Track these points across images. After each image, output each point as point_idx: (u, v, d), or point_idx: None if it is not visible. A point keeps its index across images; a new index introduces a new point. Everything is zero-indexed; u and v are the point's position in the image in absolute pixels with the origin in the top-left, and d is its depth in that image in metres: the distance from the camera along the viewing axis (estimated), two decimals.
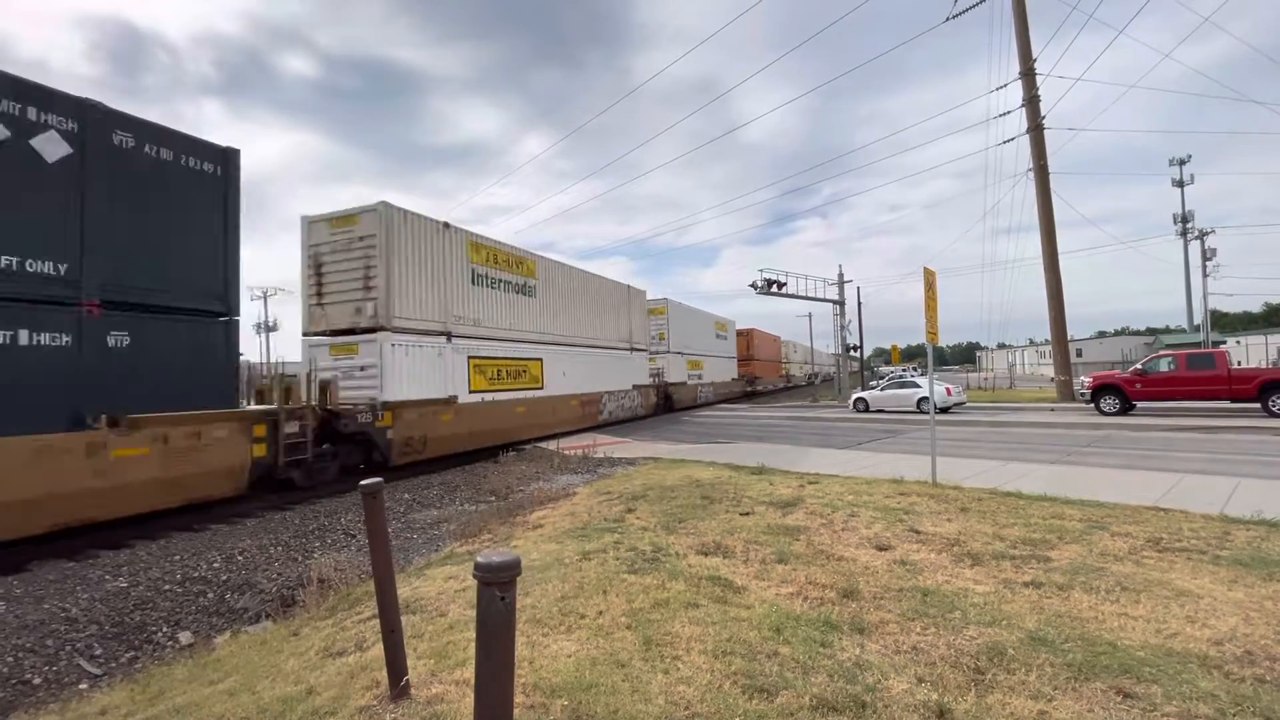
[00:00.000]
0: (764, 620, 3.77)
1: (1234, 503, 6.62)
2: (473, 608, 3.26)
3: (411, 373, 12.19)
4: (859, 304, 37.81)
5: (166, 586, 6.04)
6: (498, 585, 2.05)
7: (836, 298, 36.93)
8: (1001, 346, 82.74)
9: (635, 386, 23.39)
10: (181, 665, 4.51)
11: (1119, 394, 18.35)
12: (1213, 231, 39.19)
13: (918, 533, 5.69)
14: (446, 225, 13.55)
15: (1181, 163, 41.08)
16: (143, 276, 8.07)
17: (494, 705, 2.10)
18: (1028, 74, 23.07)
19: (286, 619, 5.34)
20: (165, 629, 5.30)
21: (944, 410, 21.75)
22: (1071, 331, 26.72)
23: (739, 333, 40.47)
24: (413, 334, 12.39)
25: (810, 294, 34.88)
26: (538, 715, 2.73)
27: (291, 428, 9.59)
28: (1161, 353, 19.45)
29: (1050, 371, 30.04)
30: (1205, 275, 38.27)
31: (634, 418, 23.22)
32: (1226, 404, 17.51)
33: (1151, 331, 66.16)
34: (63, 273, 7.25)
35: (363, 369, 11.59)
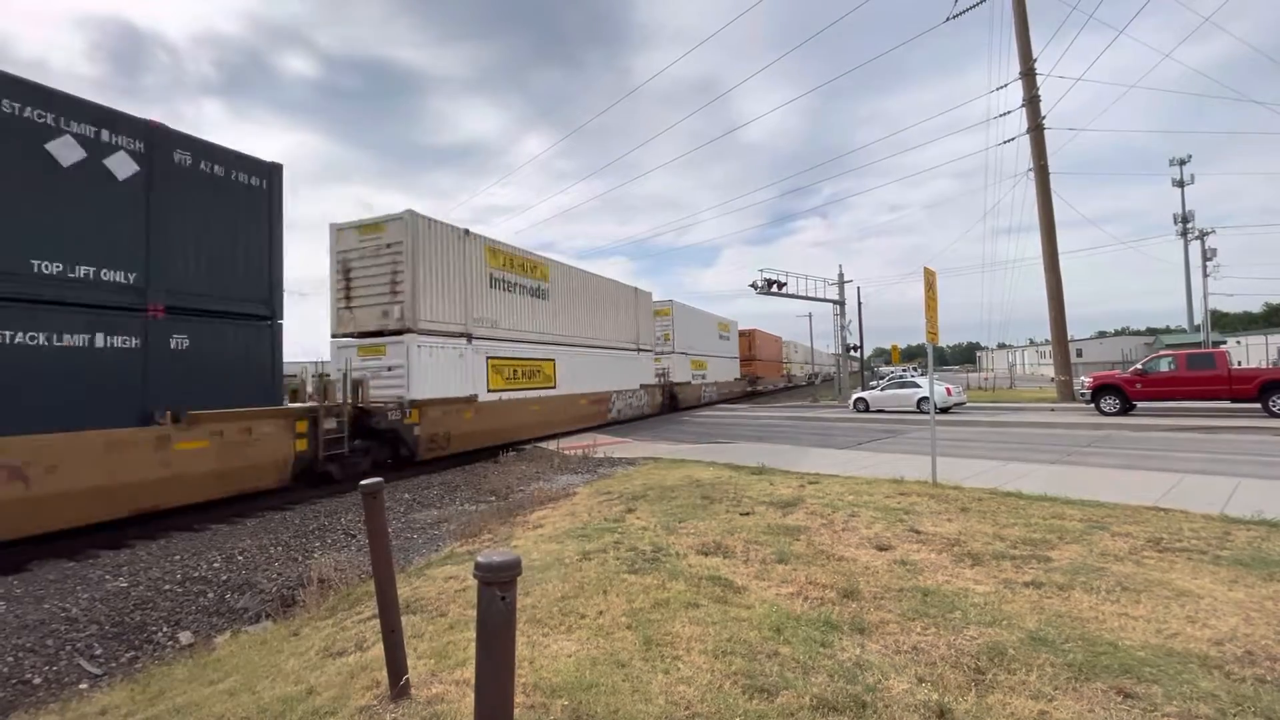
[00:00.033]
0: (764, 620, 3.77)
1: (1234, 503, 6.62)
2: (473, 607, 3.27)
3: (436, 373, 12.72)
4: (859, 304, 37.87)
5: (167, 586, 6.03)
6: (498, 585, 2.05)
7: (836, 298, 36.94)
8: (1002, 346, 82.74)
9: (642, 386, 23.93)
10: (182, 665, 4.51)
11: (1119, 394, 18.34)
12: (1213, 231, 39.19)
13: (918, 533, 5.69)
14: (467, 232, 14.14)
15: (1182, 163, 41.08)
16: (199, 283, 8.69)
17: (494, 705, 2.10)
18: (1028, 74, 23.07)
19: (287, 619, 5.34)
20: (165, 629, 5.29)
21: (944, 410, 21.75)
22: (1072, 331, 26.73)
23: (741, 333, 40.76)
24: (436, 336, 12.91)
25: (810, 294, 34.91)
26: (538, 715, 2.73)
27: (330, 424, 10.14)
28: (1162, 353, 19.44)
29: (1050, 371, 30.03)
30: (1205, 275, 38.27)
31: (641, 416, 23.69)
32: (1227, 404, 17.52)
33: (1152, 331, 66.15)
34: (132, 281, 7.89)
35: (390, 369, 12.13)
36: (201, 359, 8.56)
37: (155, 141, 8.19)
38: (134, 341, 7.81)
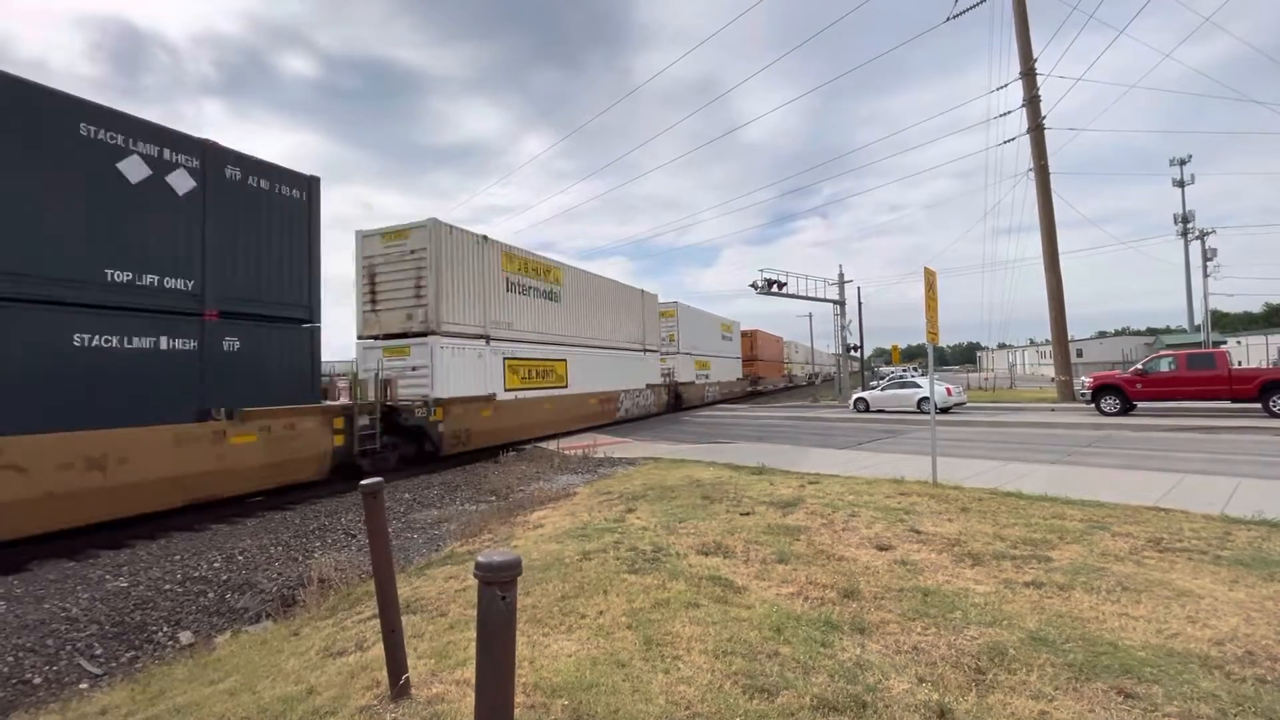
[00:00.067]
0: (765, 620, 3.76)
1: (1235, 503, 6.61)
2: (473, 607, 3.26)
3: (457, 372, 13.35)
4: (859, 304, 37.86)
5: (167, 586, 6.03)
6: (498, 585, 2.05)
7: (837, 298, 36.95)
8: (1002, 346, 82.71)
9: (649, 385, 24.58)
10: (182, 665, 4.51)
11: (1119, 394, 18.33)
12: (1213, 231, 39.13)
13: (918, 533, 5.69)
14: (485, 238, 14.74)
15: (1182, 163, 41.05)
16: (247, 289, 9.28)
17: (494, 705, 2.10)
18: (1028, 74, 23.06)
19: (287, 619, 5.34)
20: (166, 629, 5.29)
21: (944, 410, 21.73)
22: (1072, 331, 26.72)
23: (744, 334, 41.11)
24: (458, 337, 13.53)
25: (810, 294, 34.92)
26: (538, 715, 2.72)
27: (363, 421, 10.85)
28: (1162, 353, 19.43)
29: (1050, 372, 30.02)
30: (1206, 275, 38.24)
31: (647, 415, 24.33)
32: (1227, 404, 17.50)
33: (1152, 332, 66.11)
34: (190, 288, 8.48)
35: (414, 369, 12.75)
36: (249, 359, 9.14)
37: (209, 158, 8.81)
38: (192, 344, 8.41)
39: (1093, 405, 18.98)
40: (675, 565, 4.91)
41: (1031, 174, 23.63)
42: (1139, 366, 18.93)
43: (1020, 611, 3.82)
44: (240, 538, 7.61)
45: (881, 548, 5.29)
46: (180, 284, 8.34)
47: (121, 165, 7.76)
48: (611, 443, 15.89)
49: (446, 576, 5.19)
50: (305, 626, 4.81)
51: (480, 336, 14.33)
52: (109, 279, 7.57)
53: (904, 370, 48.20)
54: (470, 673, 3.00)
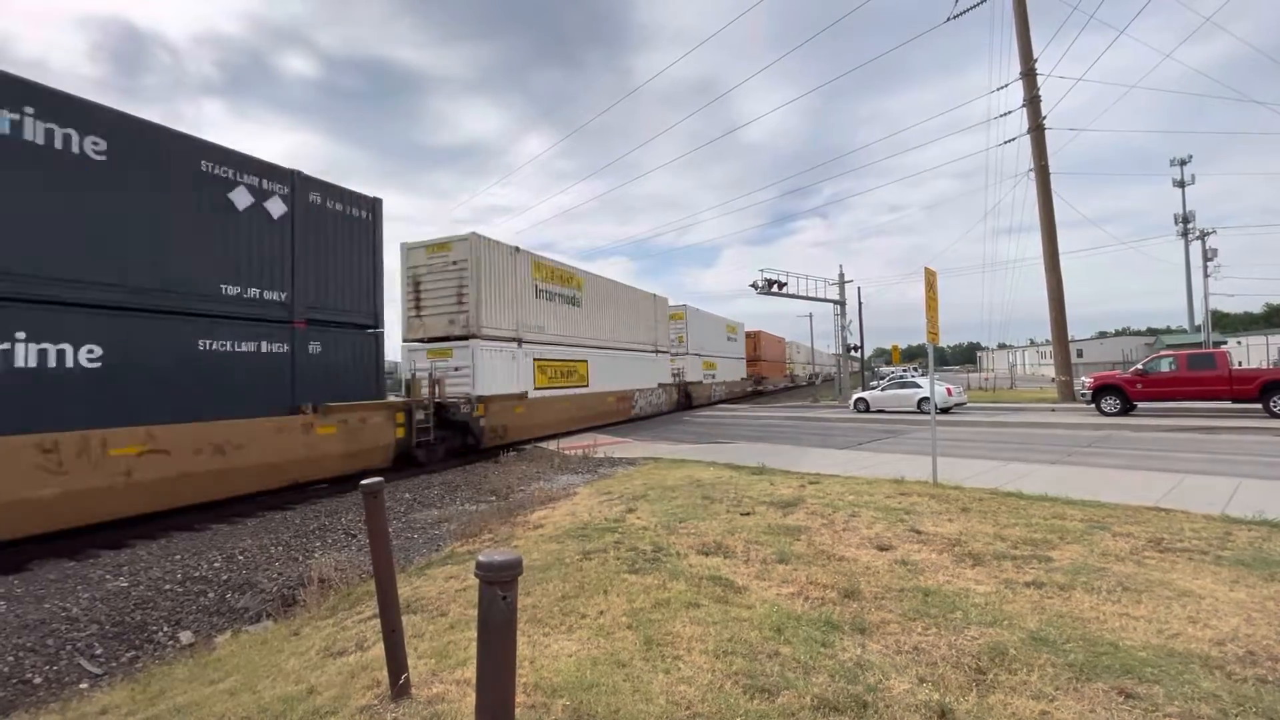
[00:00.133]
0: (765, 620, 3.76)
1: (1235, 503, 6.61)
2: (473, 607, 3.26)
3: (495, 372, 14.54)
4: (859, 304, 37.91)
5: (167, 586, 6.03)
6: (499, 585, 2.05)
7: (837, 298, 36.94)
8: (1002, 347, 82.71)
9: (660, 385, 25.64)
10: (182, 665, 4.51)
11: (1120, 394, 18.32)
12: (1214, 232, 39.06)
13: (919, 533, 5.69)
14: (517, 249, 15.99)
15: (1182, 163, 41.02)
16: (326, 299, 10.51)
17: (495, 704, 2.10)
18: (1028, 74, 23.06)
19: (287, 618, 5.34)
20: (166, 628, 5.29)
21: (945, 410, 21.73)
22: (1072, 332, 26.70)
23: (747, 335, 41.69)
24: (495, 340, 14.73)
25: (811, 294, 34.92)
26: (538, 715, 2.72)
27: (419, 416, 12.09)
28: (1162, 353, 19.41)
29: (1051, 372, 29.99)
30: (1206, 275, 38.19)
31: (659, 413, 25.45)
32: (1227, 404, 17.50)
33: (1152, 332, 66.12)
34: (283, 299, 9.70)
35: (457, 369, 13.94)
36: (327, 361, 10.40)
37: (296, 185, 9.98)
38: (285, 348, 9.66)
39: (1093, 405, 18.97)
40: (676, 565, 4.91)
41: (1032, 174, 23.64)
42: (1139, 367, 18.92)
43: (1021, 611, 3.82)
44: (240, 537, 7.61)
45: (882, 548, 5.28)
46: (276, 296, 9.57)
47: (232, 195, 9.01)
48: (612, 443, 15.90)
49: (447, 576, 5.19)
50: (305, 626, 4.81)
51: (513, 339, 15.47)
52: (223, 292, 8.81)
53: (904, 370, 48.20)
54: (470, 672, 3.00)
